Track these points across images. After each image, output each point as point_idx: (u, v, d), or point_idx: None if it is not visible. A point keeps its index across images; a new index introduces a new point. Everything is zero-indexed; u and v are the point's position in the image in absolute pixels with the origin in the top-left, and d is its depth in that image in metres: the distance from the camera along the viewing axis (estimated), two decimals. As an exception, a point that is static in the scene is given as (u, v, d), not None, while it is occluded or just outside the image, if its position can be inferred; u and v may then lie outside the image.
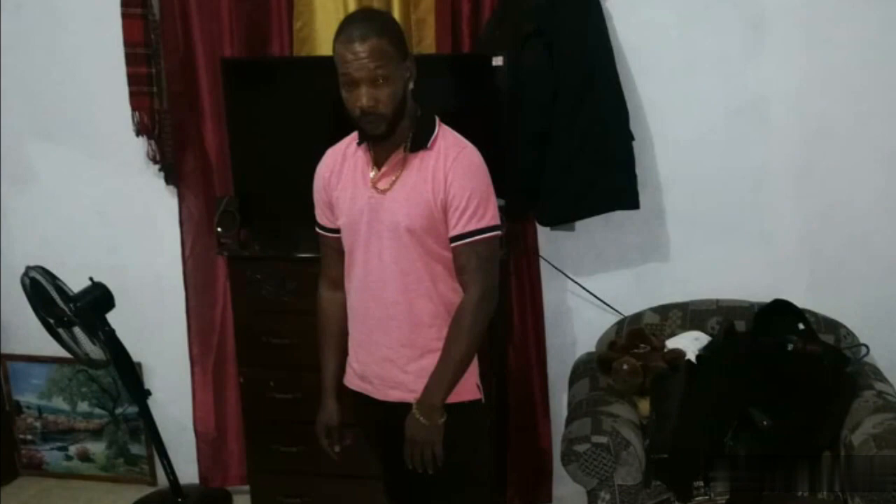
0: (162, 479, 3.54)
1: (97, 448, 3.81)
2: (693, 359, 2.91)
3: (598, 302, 3.31)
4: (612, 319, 3.24)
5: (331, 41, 2.14)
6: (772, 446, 2.63)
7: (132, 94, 3.33)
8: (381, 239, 2.22)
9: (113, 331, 3.14)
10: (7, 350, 3.79)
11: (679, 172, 3.21)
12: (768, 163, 3.17)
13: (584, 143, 3.01)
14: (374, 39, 2.07)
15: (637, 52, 3.10)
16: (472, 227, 2.17)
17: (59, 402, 3.80)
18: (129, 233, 3.60)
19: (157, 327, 3.61)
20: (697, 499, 2.65)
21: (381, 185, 2.22)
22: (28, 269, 3.10)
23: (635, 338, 3.02)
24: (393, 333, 2.25)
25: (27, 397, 3.83)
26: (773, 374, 2.77)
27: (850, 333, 3.03)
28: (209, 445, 3.62)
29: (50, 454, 3.87)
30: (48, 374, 3.77)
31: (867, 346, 2.98)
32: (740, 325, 3.04)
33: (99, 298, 3.09)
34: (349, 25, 2.13)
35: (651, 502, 2.67)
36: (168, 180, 3.46)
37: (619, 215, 3.14)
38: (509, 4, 3.04)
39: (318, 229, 2.39)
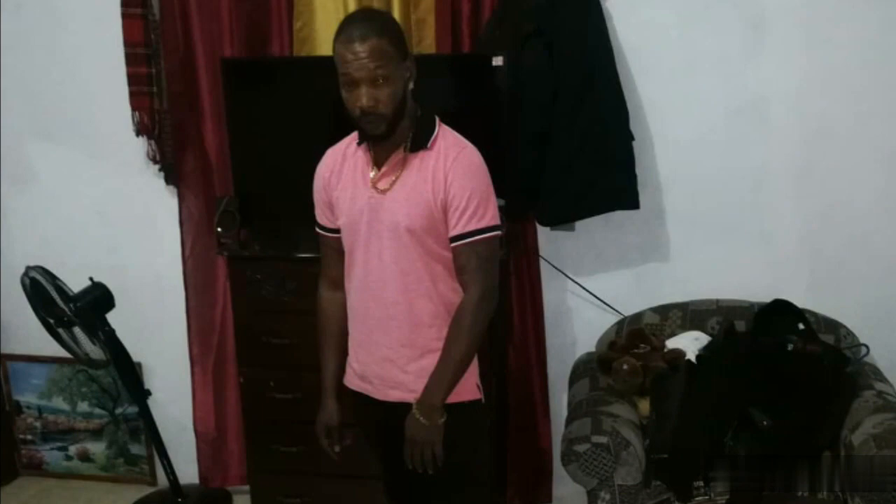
0: (162, 479, 3.54)
1: (97, 448, 3.81)
2: (693, 359, 2.91)
3: (598, 302, 3.30)
4: (612, 319, 3.24)
5: (331, 41, 2.14)
6: (772, 446, 2.63)
7: (132, 94, 3.33)
8: (381, 239, 2.21)
9: (113, 331, 3.14)
10: (7, 350, 3.79)
11: (679, 172, 3.21)
12: (768, 163, 3.17)
13: (584, 143, 3.01)
14: (374, 39, 2.07)
15: (637, 52, 3.10)
16: (472, 227, 2.17)
17: (59, 402, 3.80)
18: (129, 233, 3.60)
19: (157, 327, 3.61)
20: (697, 499, 2.64)
21: (381, 185, 2.22)
22: (28, 269, 3.10)
23: (635, 338, 3.02)
24: (393, 333, 2.25)
25: (27, 397, 3.83)
26: (773, 374, 2.77)
27: (850, 333, 3.03)
28: (209, 445, 3.62)
29: (50, 454, 3.86)
30: (48, 374, 3.77)
31: (867, 346, 2.98)
32: (740, 325, 3.03)
33: (99, 298, 3.09)
34: (349, 25, 2.13)
35: (651, 502, 2.67)
36: (168, 180, 3.46)
37: (619, 215, 3.14)
38: (509, 4, 3.04)
39: (318, 229, 2.39)
